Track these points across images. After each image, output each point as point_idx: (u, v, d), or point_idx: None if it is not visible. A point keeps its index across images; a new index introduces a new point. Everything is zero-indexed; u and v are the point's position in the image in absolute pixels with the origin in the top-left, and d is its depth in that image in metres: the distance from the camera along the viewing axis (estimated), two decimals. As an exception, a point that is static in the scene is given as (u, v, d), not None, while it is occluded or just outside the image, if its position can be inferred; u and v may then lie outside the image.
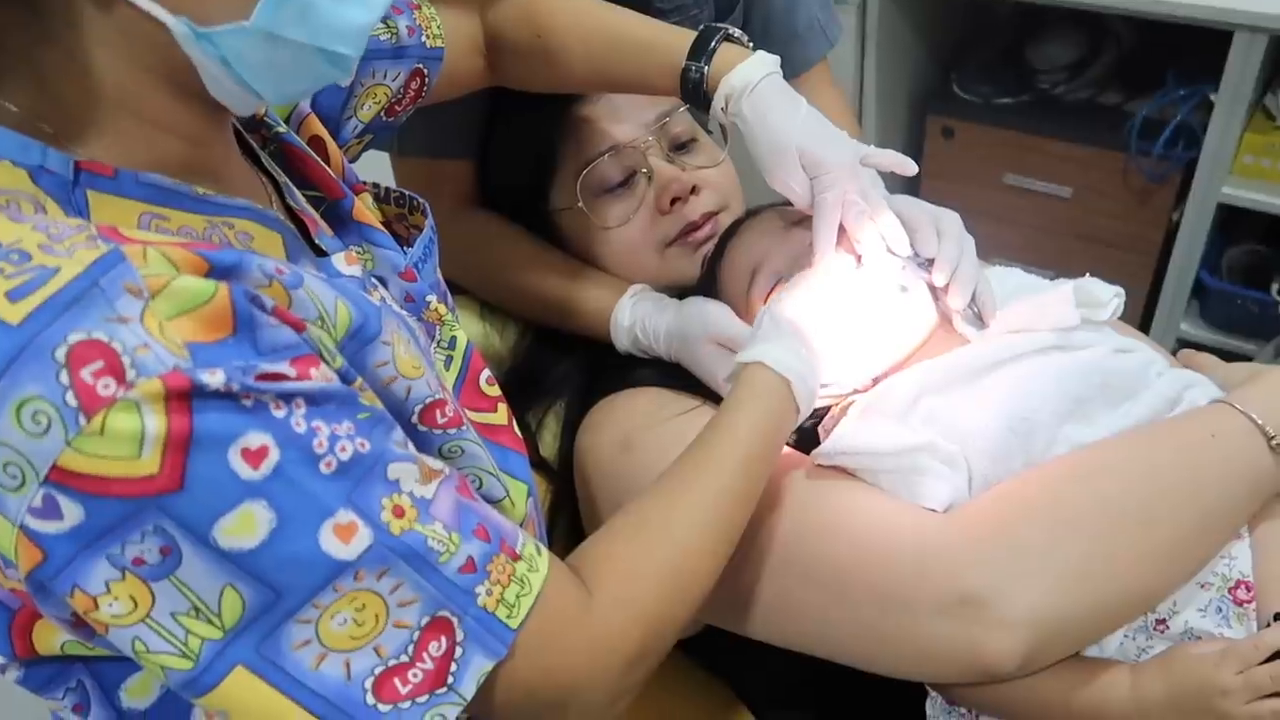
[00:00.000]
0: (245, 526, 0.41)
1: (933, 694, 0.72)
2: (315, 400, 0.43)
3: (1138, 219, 1.71)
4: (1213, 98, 1.47)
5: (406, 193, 0.70)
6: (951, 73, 1.85)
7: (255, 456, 0.40)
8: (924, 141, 1.86)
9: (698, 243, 0.88)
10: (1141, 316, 1.77)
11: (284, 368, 0.42)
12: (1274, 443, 0.65)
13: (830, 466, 0.70)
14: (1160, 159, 1.60)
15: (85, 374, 0.38)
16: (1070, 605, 0.61)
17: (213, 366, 0.40)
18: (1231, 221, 1.61)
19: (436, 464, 0.49)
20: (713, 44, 0.77)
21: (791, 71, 1.09)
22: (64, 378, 0.38)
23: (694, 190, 0.88)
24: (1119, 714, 0.63)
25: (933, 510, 0.66)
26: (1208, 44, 1.43)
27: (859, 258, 0.76)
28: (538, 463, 0.94)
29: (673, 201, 0.87)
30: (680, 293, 0.87)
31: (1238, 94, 1.43)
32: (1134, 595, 0.64)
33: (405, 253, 0.64)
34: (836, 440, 0.69)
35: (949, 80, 1.83)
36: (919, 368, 0.73)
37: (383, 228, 0.64)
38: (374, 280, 0.60)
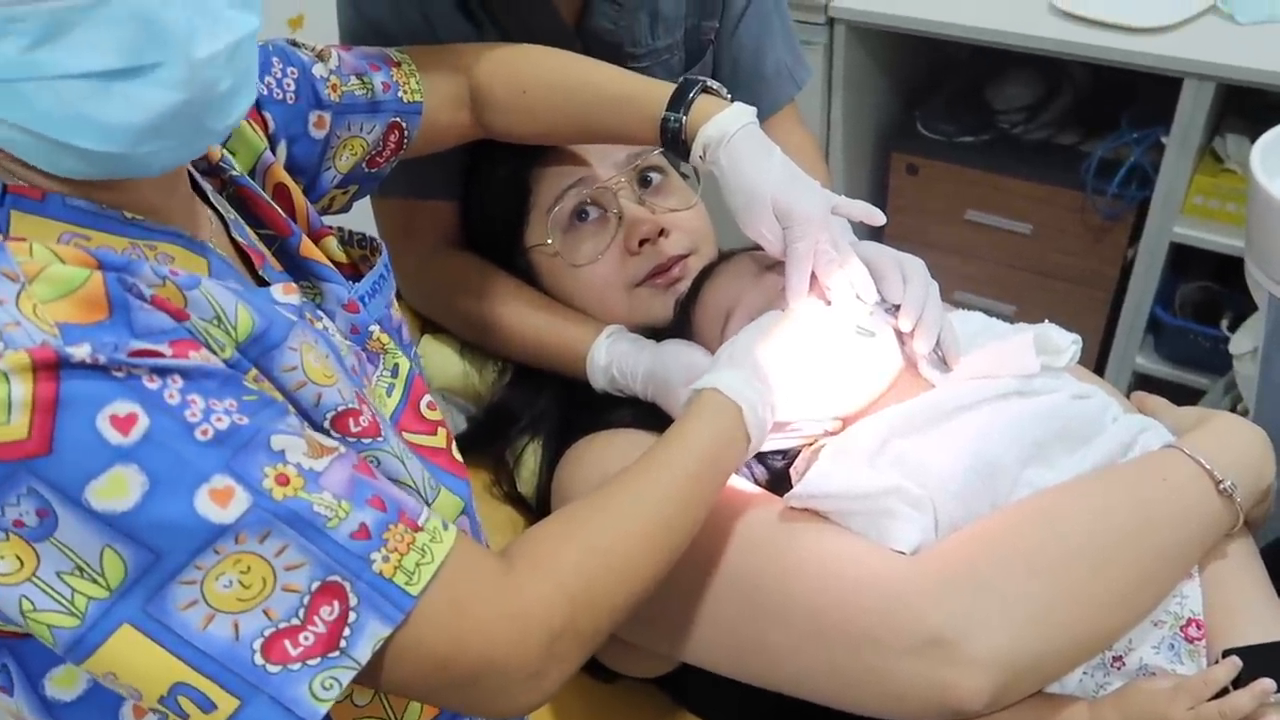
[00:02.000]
0: (117, 489, 0.42)
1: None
2: (191, 376, 0.44)
3: (1094, 255, 1.76)
4: (1164, 140, 1.53)
5: (368, 235, 0.72)
6: (915, 111, 1.90)
7: (124, 423, 0.42)
8: (889, 177, 1.91)
9: (667, 284, 0.90)
10: (1098, 351, 1.83)
11: (161, 348, 0.44)
12: (1221, 486, 0.69)
13: (803, 509, 0.73)
14: (1115, 198, 1.65)
15: None
16: (1035, 645, 0.64)
17: (81, 343, 0.41)
18: (1184, 258, 1.67)
19: (332, 443, 0.50)
20: (691, 94, 0.80)
21: (760, 114, 1.13)
22: None
23: (663, 232, 0.90)
24: (1078, 748, 0.65)
25: (901, 553, 0.69)
26: (1160, 88, 1.49)
27: (829, 303, 0.79)
28: (515, 498, 0.96)
29: (642, 242, 0.90)
30: (653, 333, 0.90)
31: (1187, 137, 1.49)
32: (1094, 634, 0.66)
33: (350, 286, 0.65)
34: (808, 484, 0.71)
35: (913, 118, 1.88)
36: (887, 411, 0.76)
37: (329, 263, 0.66)
38: (318, 312, 0.61)
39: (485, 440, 0.96)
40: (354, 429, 0.55)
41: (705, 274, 0.88)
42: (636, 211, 0.90)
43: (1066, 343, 0.80)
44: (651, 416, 0.85)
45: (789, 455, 0.79)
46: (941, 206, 1.87)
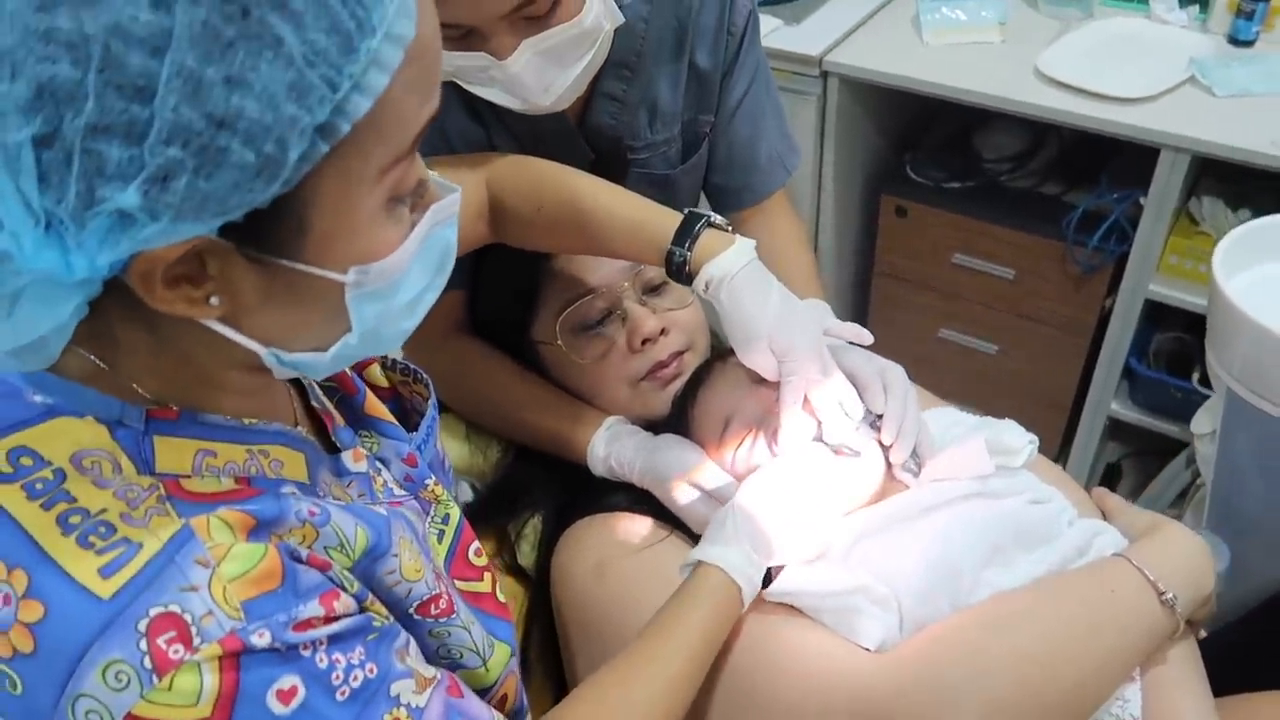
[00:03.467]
0: None
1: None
2: (337, 637, 0.52)
3: (1074, 303, 1.83)
4: (1142, 201, 1.59)
5: (411, 365, 0.78)
6: (906, 155, 1.96)
7: (287, 695, 0.49)
8: (879, 218, 1.97)
9: (665, 380, 0.97)
10: (1075, 394, 1.90)
11: (315, 607, 0.51)
12: (1164, 598, 0.76)
13: (779, 603, 0.79)
14: (1095, 251, 1.71)
15: (160, 642, 0.46)
16: None
17: (261, 625, 0.48)
18: (1160, 310, 1.74)
19: (429, 672, 0.58)
20: (696, 229, 0.86)
21: (752, 199, 1.20)
22: (143, 645, 0.46)
23: (663, 331, 0.97)
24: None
25: (867, 649, 0.76)
26: (1141, 149, 1.55)
27: (819, 423, 0.85)
28: (516, 569, 1.02)
29: (643, 341, 0.96)
30: (650, 425, 0.96)
31: (1164, 201, 1.56)
32: (1041, 733, 0.73)
33: (410, 438, 0.72)
34: (783, 582, 0.78)
35: (903, 163, 1.94)
36: (859, 514, 0.83)
37: (391, 419, 0.72)
38: (377, 464, 0.68)
39: (489, 515, 1.02)
40: (434, 612, 0.64)
41: (701, 377, 0.95)
42: (640, 313, 0.96)
43: (1022, 443, 0.87)
44: (647, 501, 0.92)
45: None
46: (929, 248, 1.94)
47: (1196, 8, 1.71)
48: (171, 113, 0.40)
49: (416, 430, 0.75)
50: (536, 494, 1.00)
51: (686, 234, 0.86)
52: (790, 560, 0.79)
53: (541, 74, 0.88)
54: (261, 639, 0.48)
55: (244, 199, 0.43)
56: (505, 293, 1.02)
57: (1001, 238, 1.84)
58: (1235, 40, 1.63)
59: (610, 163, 1.09)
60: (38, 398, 0.52)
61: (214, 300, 0.47)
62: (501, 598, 0.74)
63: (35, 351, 0.47)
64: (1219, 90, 1.51)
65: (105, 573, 0.47)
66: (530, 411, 0.99)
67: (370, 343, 0.54)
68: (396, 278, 0.51)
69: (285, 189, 0.44)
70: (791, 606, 0.78)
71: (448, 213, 0.54)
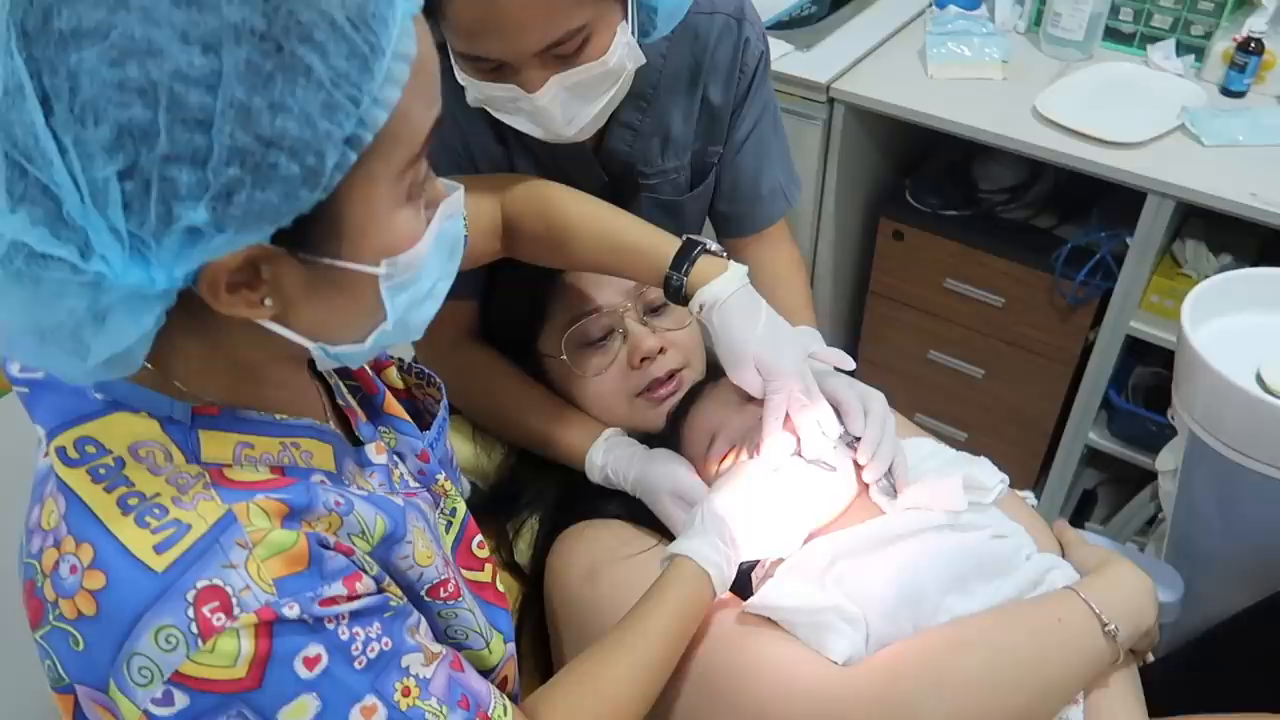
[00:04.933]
0: (300, 712, 0.56)
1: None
2: (357, 614, 0.59)
3: (1059, 333, 1.89)
4: (1129, 241, 1.66)
5: (425, 369, 0.84)
6: (905, 180, 2.02)
7: (312, 662, 0.56)
8: (877, 240, 2.03)
9: (662, 398, 1.04)
10: (1056, 422, 1.97)
11: (339, 588, 0.58)
12: (1107, 629, 0.83)
13: (757, 614, 0.86)
14: (1082, 285, 1.78)
15: (205, 610, 0.53)
16: None
17: (291, 599, 0.55)
18: (1141, 345, 1.80)
19: (436, 647, 0.64)
20: (694, 254, 0.92)
21: (754, 227, 1.26)
22: (190, 613, 0.53)
23: (662, 350, 1.03)
24: None
25: (834, 662, 0.82)
26: (1130, 190, 1.61)
27: (799, 439, 0.92)
28: (512, 565, 1.09)
29: (642, 359, 1.03)
30: (646, 438, 1.03)
31: (1148, 243, 1.62)
32: (990, 749, 0.80)
33: (423, 436, 0.78)
34: (762, 597, 0.84)
35: (903, 188, 2.00)
36: (838, 535, 0.89)
37: (406, 416, 0.79)
38: (395, 457, 0.75)
39: (489, 512, 1.09)
40: (442, 595, 0.71)
41: (694, 395, 1.01)
42: (640, 332, 1.03)
43: (994, 481, 0.94)
44: (639, 510, 0.99)
45: (754, 562, 0.93)
46: (923, 272, 2.00)
47: (1192, 57, 1.77)
48: (229, 138, 0.46)
49: (429, 429, 0.81)
50: (535, 496, 1.07)
51: (684, 259, 0.92)
52: (756, 555, 0.86)
53: (567, 107, 0.94)
54: (292, 611, 0.55)
55: (292, 206, 0.49)
56: (515, 306, 1.08)
57: (993, 266, 1.90)
58: (1227, 91, 1.70)
59: (622, 187, 1.15)
60: (99, 395, 0.59)
61: (268, 302, 0.54)
62: (500, 588, 0.81)
63: (123, 360, 0.53)
64: (1207, 139, 1.57)
65: (159, 549, 0.54)
66: (533, 418, 1.06)
67: (401, 329, 0.60)
68: (419, 268, 0.58)
69: (324, 195, 0.50)
70: (768, 619, 0.85)
71: (455, 207, 0.61)
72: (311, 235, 0.52)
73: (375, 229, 0.55)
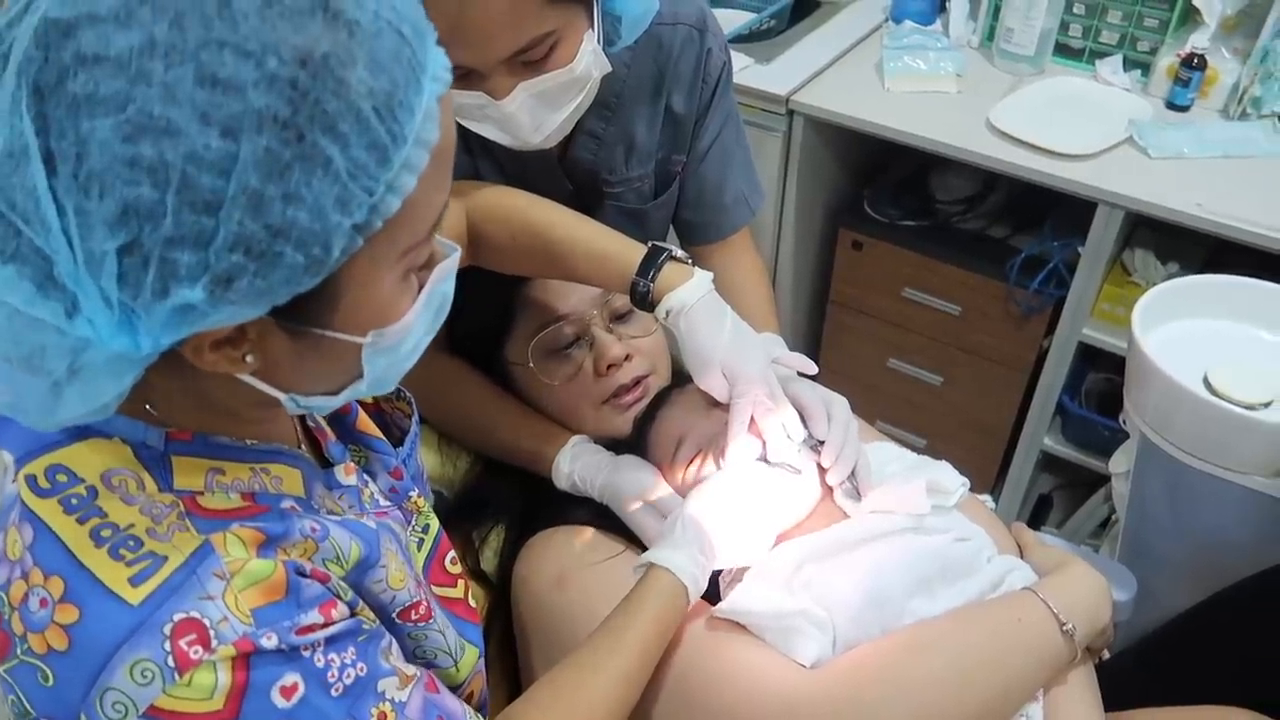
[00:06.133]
0: None
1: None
2: (332, 640, 0.58)
3: (1014, 340, 1.93)
4: (1080, 250, 1.70)
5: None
6: (864, 191, 2.05)
7: (289, 691, 0.55)
8: (836, 250, 2.06)
9: (628, 405, 1.04)
10: (1012, 428, 2.00)
11: (315, 615, 0.57)
12: (1065, 628, 0.85)
13: (727, 619, 0.87)
14: (1035, 294, 1.82)
15: (182, 643, 0.52)
16: None
17: (269, 629, 0.55)
18: (1093, 352, 1.85)
19: (410, 670, 0.64)
20: (659, 261, 0.93)
21: (718, 235, 1.28)
22: (167, 645, 0.52)
23: (628, 357, 1.04)
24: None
25: (802, 665, 0.83)
26: (1080, 200, 1.66)
27: (764, 443, 0.93)
28: (478, 574, 1.08)
29: (609, 366, 1.03)
30: (612, 444, 1.03)
31: (1099, 252, 1.66)
32: (951, 744, 0.81)
33: (396, 453, 0.78)
34: (731, 602, 0.85)
35: (861, 199, 2.03)
36: (804, 539, 0.90)
37: (380, 435, 0.79)
38: (365, 477, 0.74)
39: (456, 520, 1.09)
40: (414, 617, 0.70)
41: (661, 400, 1.02)
42: (606, 339, 1.03)
43: (955, 485, 0.96)
44: (606, 516, 0.99)
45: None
46: (881, 281, 2.03)
47: (1139, 72, 1.82)
48: (236, 225, 0.45)
49: (401, 445, 0.81)
50: (502, 504, 1.07)
51: (650, 266, 0.93)
52: (731, 563, 0.87)
53: (534, 114, 0.94)
54: (270, 641, 0.54)
55: (292, 290, 0.49)
56: (482, 314, 1.08)
57: (950, 276, 1.94)
58: (1172, 105, 1.75)
59: (587, 195, 1.16)
60: None
61: (249, 359, 0.53)
62: (473, 603, 0.80)
63: (97, 414, 0.53)
64: (1154, 152, 1.62)
65: (134, 582, 0.53)
66: (500, 427, 1.06)
67: (377, 386, 0.60)
68: (404, 334, 0.58)
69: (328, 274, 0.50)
70: (738, 624, 0.86)
71: (447, 271, 0.61)
72: (305, 309, 0.52)
73: (371, 305, 0.54)
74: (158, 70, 0.43)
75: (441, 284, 0.60)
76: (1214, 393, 1.12)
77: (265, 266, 0.47)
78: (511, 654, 1.01)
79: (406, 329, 0.57)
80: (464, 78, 0.90)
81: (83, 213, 0.44)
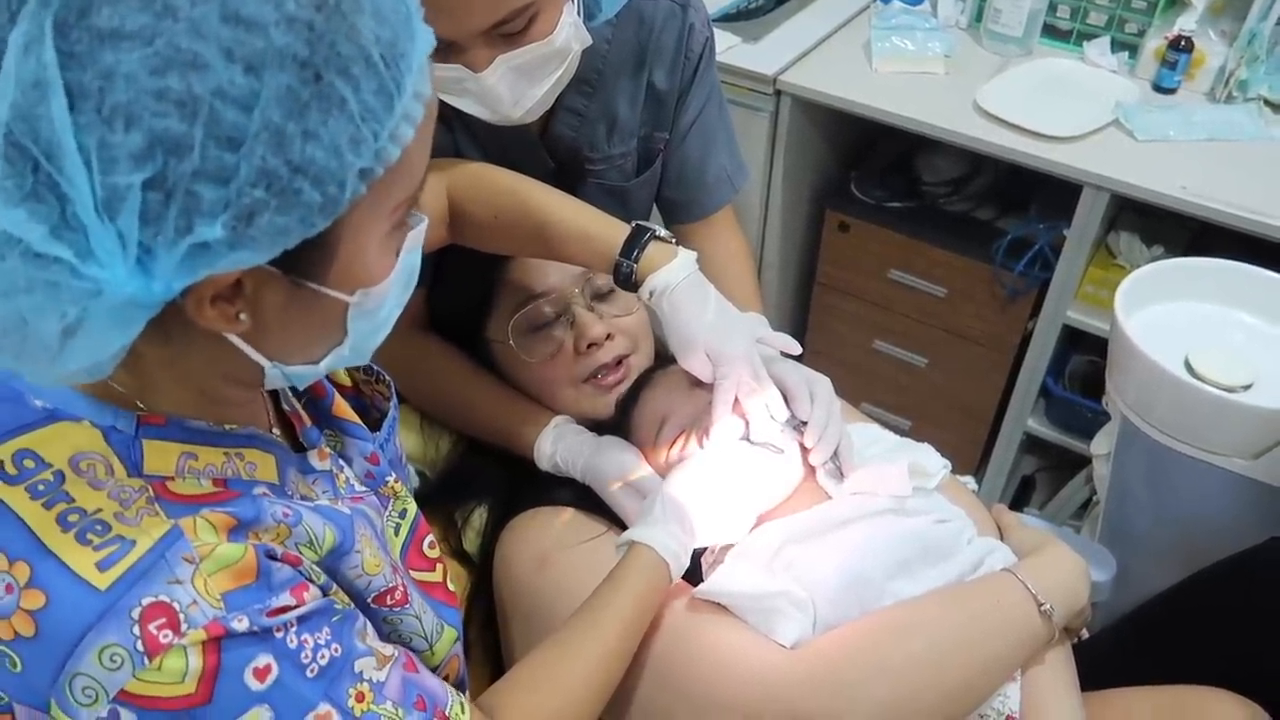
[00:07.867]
0: None
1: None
2: (305, 619, 0.58)
3: (999, 323, 1.93)
4: (1066, 232, 1.70)
5: (374, 365, 0.83)
6: (851, 173, 2.04)
7: (262, 673, 0.55)
8: (823, 232, 2.05)
9: (610, 385, 1.03)
10: (996, 409, 2.01)
11: (286, 598, 0.57)
12: (1043, 609, 0.85)
13: (708, 600, 0.87)
14: (1020, 276, 1.82)
15: (151, 627, 0.52)
16: None
17: (239, 612, 0.54)
18: (1078, 334, 1.85)
19: (388, 650, 0.64)
20: (643, 241, 0.92)
21: (701, 213, 1.27)
22: (136, 630, 0.51)
23: (609, 336, 1.03)
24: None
25: (782, 645, 0.83)
26: (1066, 182, 1.65)
27: (747, 423, 0.93)
28: (460, 554, 1.08)
29: (589, 345, 1.02)
30: (595, 425, 1.03)
31: (1084, 235, 1.66)
32: (930, 724, 0.82)
33: (373, 438, 0.77)
34: (712, 583, 0.85)
35: (848, 181, 2.03)
36: (785, 521, 0.90)
37: (356, 419, 0.78)
38: (340, 462, 0.74)
39: (438, 501, 1.08)
40: (389, 602, 0.70)
41: (644, 381, 1.02)
42: (587, 318, 1.02)
43: (937, 467, 0.96)
44: (588, 497, 0.98)
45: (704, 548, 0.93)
46: (868, 263, 2.03)
47: (1126, 54, 1.82)
48: (259, 160, 0.46)
49: (379, 429, 0.80)
50: (484, 484, 1.06)
51: (634, 245, 0.92)
52: (712, 541, 0.87)
53: (514, 88, 0.93)
54: (240, 624, 0.54)
55: (304, 232, 0.49)
56: (462, 293, 1.07)
57: (935, 258, 1.94)
58: (1159, 88, 1.75)
59: (569, 173, 1.15)
60: (38, 402, 0.57)
61: (242, 317, 0.53)
62: (451, 586, 0.80)
63: (96, 368, 0.52)
64: (1139, 134, 1.62)
65: (102, 566, 0.52)
66: (481, 406, 1.05)
67: (355, 354, 0.60)
68: (384, 298, 0.58)
69: (332, 222, 0.50)
70: (719, 604, 0.86)
71: (417, 241, 0.61)
72: (308, 260, 0.52)
73: (361, 260, 0.55)
74: (184, 6, 0.44)
75: (411, 254, 0.60)
76: (1195, 375, 1.12)
77: (285, 203, 0.47)
78: (494, 635, 1.01)
79: (386, 292, 0.58)
80: (443, 51, 0.89)
81: (106, 146, 0.44)
